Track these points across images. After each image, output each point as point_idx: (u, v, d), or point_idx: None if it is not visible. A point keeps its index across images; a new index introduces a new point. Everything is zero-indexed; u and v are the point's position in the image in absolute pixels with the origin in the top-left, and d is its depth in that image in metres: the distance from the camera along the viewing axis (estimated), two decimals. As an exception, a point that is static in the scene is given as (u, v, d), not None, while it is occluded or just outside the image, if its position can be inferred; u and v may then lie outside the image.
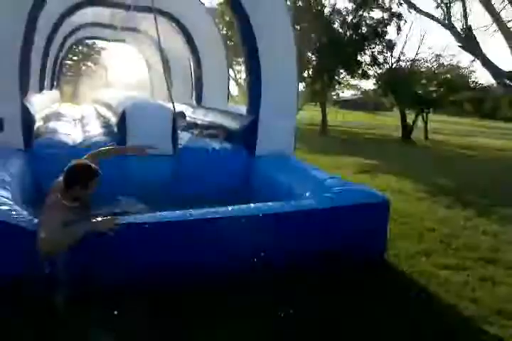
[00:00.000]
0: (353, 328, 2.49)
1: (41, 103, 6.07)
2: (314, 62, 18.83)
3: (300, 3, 17.95)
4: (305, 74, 19.09)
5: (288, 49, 4.85)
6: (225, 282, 2.67)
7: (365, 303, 2.77)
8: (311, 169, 4.38)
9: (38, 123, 5.13)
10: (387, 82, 18.31)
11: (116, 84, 14.74)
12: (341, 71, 19.33)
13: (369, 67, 18.81)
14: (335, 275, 3.01)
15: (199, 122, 6.28)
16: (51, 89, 8.63)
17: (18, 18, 3.95)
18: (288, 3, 17.61)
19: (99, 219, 2.60)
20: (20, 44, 3.98)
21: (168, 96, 4.83)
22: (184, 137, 5.06)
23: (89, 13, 7.23)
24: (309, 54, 18.77)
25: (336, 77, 19.93)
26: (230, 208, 3.09)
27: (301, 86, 20.24)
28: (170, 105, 4.75)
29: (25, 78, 4.18)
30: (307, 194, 3.67)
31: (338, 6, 18.55)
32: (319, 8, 18.00)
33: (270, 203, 3.29)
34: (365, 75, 19.07)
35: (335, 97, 45.93)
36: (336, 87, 23.24)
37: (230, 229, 2.90)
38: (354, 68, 18.45)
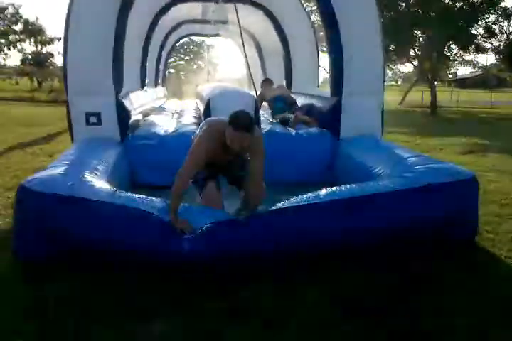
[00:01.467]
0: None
1: (144, 99, 6.55)
2: (421, 39, 17.68)
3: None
4: (412, 53, 18.05)
5: (371, 24, 4.63)
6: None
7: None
8: (397, 148, 4.16)
9: (138, 117, 5.56)
10: (507, 54, 16.58)
11: (221, 79, 15.31)
12: (452, 46, 17.90)
13: (484, 39, 17.20)
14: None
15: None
16: (156, 86, 9.23)
17: (109, 15, 4.27)
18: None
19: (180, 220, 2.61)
20: (113, 42, 4.32)
21: (252, 84, 4.89)
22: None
23: (183, 11, 7.58)
24: (415, 30, 17.68)
25: (447, 54, 18.54)
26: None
27: (410, 66, 19.23)
28: (254, 93, 4.84)
29: (119, 75, 4.52)
30: (385, 174, 3.52)
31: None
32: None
33: (341, 187, 3.16)
34: (480, 49, 17.47)
35: (451, 76, 42.94)
36: (449, 64, 21.66)
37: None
38: (467, 42, 16.97)
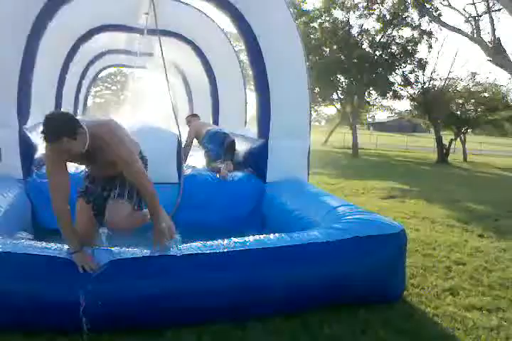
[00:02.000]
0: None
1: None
2: (343, 84, 18.54)
3: (327, 24, 17.80)
4: (334, 97, 18.84)
5: (298, 68, 4.61)
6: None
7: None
8: (324, 195, 4.02)
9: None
10: (421, 102, 17.76)
11: (145, 111, 14.92)
12: (372, 92, 18.94)
13: (401, 87, 18.36)
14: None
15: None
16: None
17: (16, 41, 3.85)
18: (315, 24, 17.61)
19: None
20: (19, 69, 3.88)
21: (175, 120, 4.62)
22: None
23: (107, 40, 7.24)
24: (338, 75, 18.53)
25: (367, 99, 19.57)
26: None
27: (333, 109, 20.02)
28: (177, 130, 4.56)
29: (25, 105, 4.06)
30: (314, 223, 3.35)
31: (365, 26, 18.37)
32: (347, 28, 17.79)
33: (271, 236, 2.96)
34: (397, 96, 18.61)
35: (370, 120, 45.55)
36: (368, 108, 22.90)
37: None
38: (385, 89, 18.02)
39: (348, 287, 2.83)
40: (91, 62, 8.50)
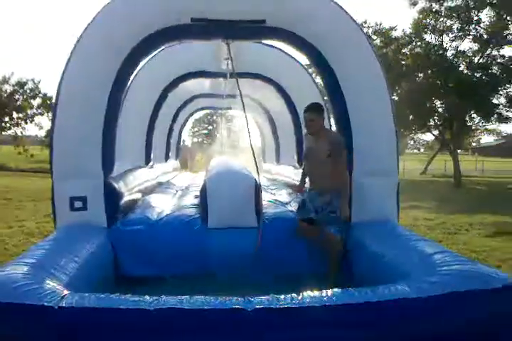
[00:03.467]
0: None
1: (146, 176, 6.25)
2: (440, 109, 17.55)
3: (418, 49, 17.16)
4: (431, 122, 17.86)
5: (380, 100, 4.31)
6: None
7: None
8: (416, 240, 3.60)
9: (136, 196, 5.20)
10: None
11: (233, 150, 15.30)
12: (473, 116, 17.66)
13: (507, 108, 16.92)
14: None
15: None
16: (166, 160, 9.03)
17: (100, 96, 4.04)
18: (405, 50, 17.05)
19: None
20: (103, 121, 4.06)
21: (254, 164, 4.52)
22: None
23: (194, 86, 7.53)
24: (434, 101, 17.64)
25: (469, 123, 18.28)
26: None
27: (430, 135, 18.98)
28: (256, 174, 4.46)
29: (109, 156, 4.21)
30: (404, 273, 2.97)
31: (461, 48, 17.46)
32: (440, 52, 16.98)
33: (353, 289, 2.66)
34: (503, 118, 17.16)
35: (474, 144, 42.59)
36: (471, 133, 21.38)
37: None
38: (488, 111, 16.71)
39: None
40: (180, 108, 8.87)
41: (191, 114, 10.81)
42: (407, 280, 2.81)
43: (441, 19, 16.93)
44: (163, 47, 4.94)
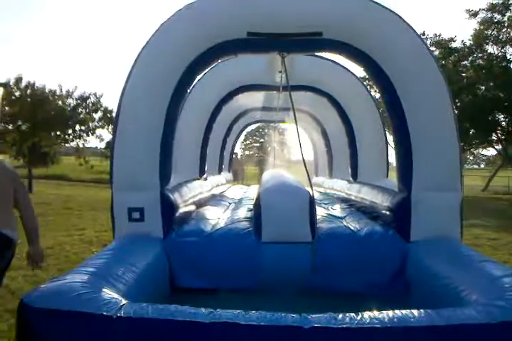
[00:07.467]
0: None
1: (200, 188, 6.31)
2: (503, 123, 16.77)
3: (480, 61, 16.55)
4: (493, 137, 17.08)
5: (442, 111, 4.12)
6: None
7: None
8: (482, 260, 3.39)
9: (190, 208, 5.25)
10: None
11: (285, 163, 15.30)
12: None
13: None
14: None
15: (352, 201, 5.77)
16: (219, 172, 9.12)
17: (159, 109, 4.14)
18: (465, 62, 16.50)
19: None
20: (161, 135, 4.15)
21: (307, 178, 4.46)
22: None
23: (247, 99, 7.60)
24: (498, 114, 16.90)
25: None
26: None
27: (491, 150, 18.15)
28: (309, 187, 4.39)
29: (166, 168, 4.29)
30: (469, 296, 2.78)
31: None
32: (504, 63, 16.29)
33: (414, 312, 2.51)
34: None
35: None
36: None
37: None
38: None
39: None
40: (234, 121, 8.98)
41: (245, 127, 10.91)
42: (473, 304, 2.65)
43: (504, 30, 16.28)
44: (219, 60, 5.01)
